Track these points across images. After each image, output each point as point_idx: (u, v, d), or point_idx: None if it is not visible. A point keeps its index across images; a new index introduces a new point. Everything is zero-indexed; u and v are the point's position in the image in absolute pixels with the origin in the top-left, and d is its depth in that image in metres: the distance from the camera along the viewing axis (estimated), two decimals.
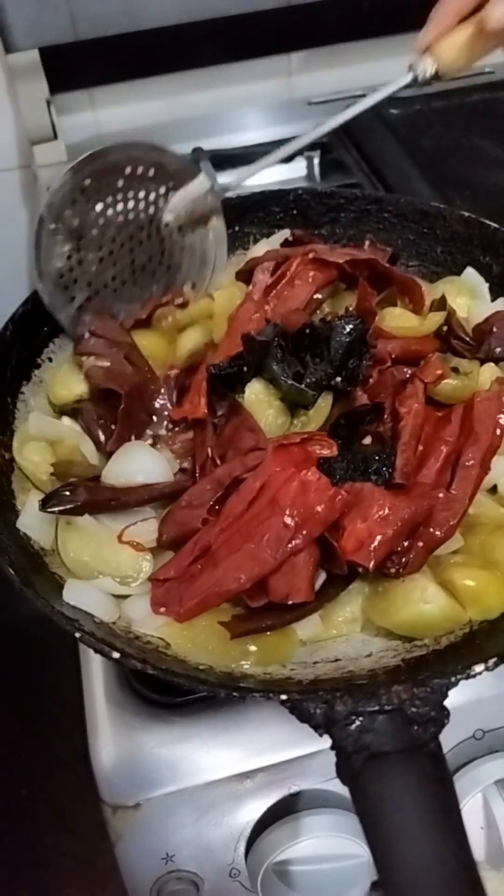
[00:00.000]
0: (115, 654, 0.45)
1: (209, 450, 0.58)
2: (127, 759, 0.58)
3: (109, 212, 0.70)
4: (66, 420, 0.65)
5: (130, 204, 0.71)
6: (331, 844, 0.58)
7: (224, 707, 0.60)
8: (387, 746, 0.39)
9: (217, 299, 0.73)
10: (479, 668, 0.44)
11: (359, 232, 0.79)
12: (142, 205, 0.72)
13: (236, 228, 0.80)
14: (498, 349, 0.65)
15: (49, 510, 0.53)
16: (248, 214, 0.80)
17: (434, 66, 0.68)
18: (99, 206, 0.69)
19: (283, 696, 0.43)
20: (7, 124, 1.15)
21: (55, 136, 1.14)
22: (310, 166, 1.17)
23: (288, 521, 0.49)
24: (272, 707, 0.59)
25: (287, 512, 0.49)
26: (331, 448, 0.55)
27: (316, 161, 1.17)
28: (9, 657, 1.46)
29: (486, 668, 0.44)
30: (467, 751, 0.64)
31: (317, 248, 0.70)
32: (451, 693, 0.59)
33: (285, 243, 0.76)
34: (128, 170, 0.70)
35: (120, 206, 0.70)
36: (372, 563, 0.49)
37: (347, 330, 0.58)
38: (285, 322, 0.61)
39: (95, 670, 0.62)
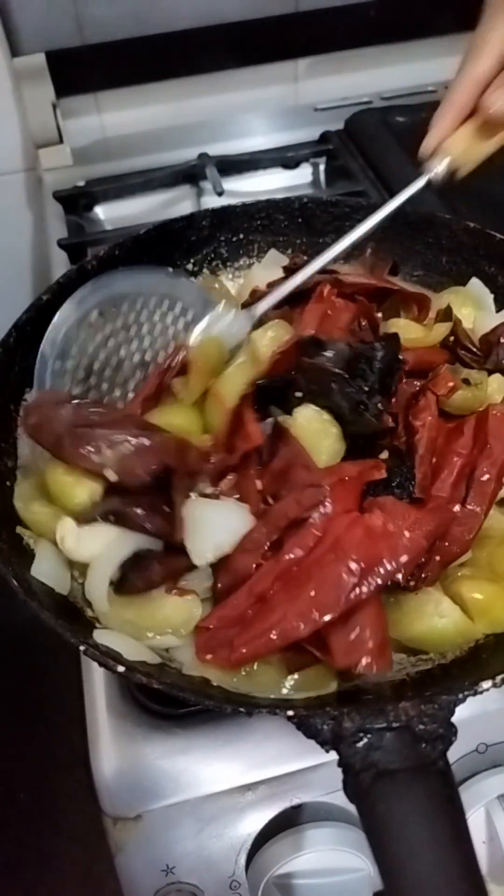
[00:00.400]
0: (120, 668, 0.45)
1: (258, 485, 0.54)
2: (128, 770, 0.57)
3: (121, 341, 0.66)
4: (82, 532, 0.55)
5: (144, 329, 0.66)
6: (332, 858, 0.58)
7: (226, 719, 0.59)
8: (395, 764, 0.39)
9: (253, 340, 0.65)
10: (486, 684, 0.43)
11: (363, 241, 0.79)
12: (157, 329, 0.67)
13: (241, 236, 0.80)
14: None
15: (124, 594, 0.51)
16: (253, 223, 0.79)
17: (446, 163, 0.68)
18: (110, 342, 0.65)
19: (290, 713, 0.43)
20: (13, 127, 1.14)
21: (61, 140, 1.14)
22: (315, 173, 1.18)
23: (353, 566, 0.47)
24: (274, 719, 0.59)
25: (352, 557, 0.47)
26: (381, 471, 0.53)
27: (322, 167, 1.17)
28: (10, 661, 1.46)
29: (494, 685, 0.43)
30: (470, 765, 0.63)
31: (323, 281, 0.68)
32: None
33: (287, 273, 0.73)
34: (138, 302, 0.66)
35: (133, 332, 0.66)
36: (401, 577, 0.48)
37: (383, 351, 0.57)
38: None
39: (98, 680, 0.61)
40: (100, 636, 0.49)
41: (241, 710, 0.43)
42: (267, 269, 0.77)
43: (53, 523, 0.54)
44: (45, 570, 0.53)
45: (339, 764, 0.40)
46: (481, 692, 0.43)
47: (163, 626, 0.51)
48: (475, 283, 0.74)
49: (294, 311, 0.68)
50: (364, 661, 0.46)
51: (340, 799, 0.60)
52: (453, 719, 0.42)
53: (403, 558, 0.47)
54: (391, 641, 0.51)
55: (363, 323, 0.65)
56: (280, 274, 0.74)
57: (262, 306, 0.67)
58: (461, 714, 0.60)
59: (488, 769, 0.63)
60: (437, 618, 0.50)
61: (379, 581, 0.47)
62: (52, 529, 0.54)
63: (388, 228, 0.78)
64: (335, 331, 0.63)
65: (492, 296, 0.73)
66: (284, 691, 0.48)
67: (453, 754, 0.62)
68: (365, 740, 0.40)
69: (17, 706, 1.42)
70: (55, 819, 1.28)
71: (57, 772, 1.29)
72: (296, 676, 0.49)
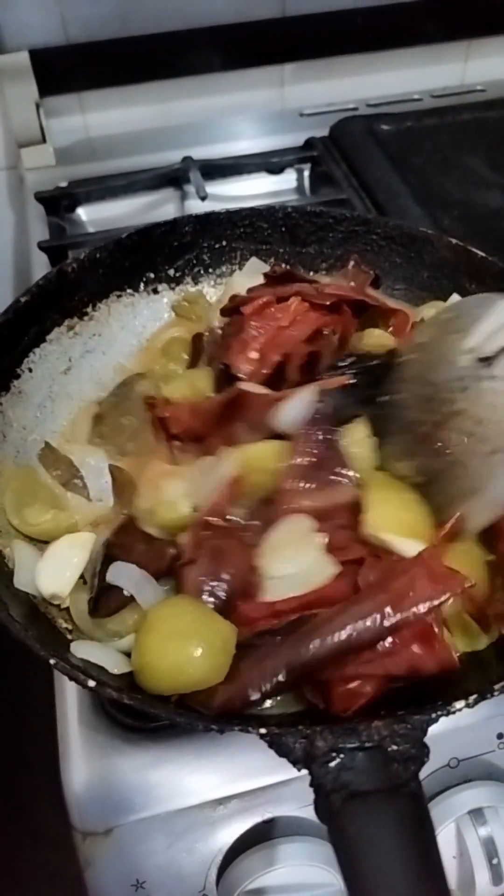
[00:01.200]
0: (91, 683, 0.44)
1: None
2: (99, 783, 0.57)
3: None
4: None
5: None
6: (304, 873, 0.57)
7: (198, 734, 0.59)
8: (366, 786, 0.38)
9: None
10: (459, 704, 0.43)
11: (346, 252, 0.79)
12: None
13: (224, 244, 0.79)
14: None
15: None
16: (236, 230, 0.79)
17: None
18: None
19: (263, 731, 0.42)
20: None
21: (44, 140, 1.12)
22: (300, 179, 1.18)
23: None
24: (246, 735, 0.59)
25: None
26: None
27: (306, 174, 1.17)
28: None
29: (467, 705, 0.43)
30: (442, 779, 0.63)
31: (303, 291, 0.68)
32: None
33: (268, 280, 0.73)
34: None
35: None
36: None
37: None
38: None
39: (70, 693, 0.61)
40: (77, 648, 0.48)
41: (213, 727, 0.42)
42: (248, 276, 0.77)
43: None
44: (26, 580, 0.53)
45: (311, 784, 0.40)
46: (454, 712, 0.43)
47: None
48: (455, 299, 0.74)
49: None
50: (356, 706, 0.46)
51: (312, 814, 0.59)
52: (428, 733, 0.42)
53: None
54: None
55: (326, 332, 0.66)
56: (260, 280, 0.74)
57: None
58: (433, 729, 0.60)
59: (459, 784, 0.63)
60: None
61: None
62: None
63: (371, 241, 0.79)
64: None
65: None
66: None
67: (425, 769, 0.62)
68: (337, 760, 0.39)
69: None
70: (27, 822, 1.27)
71: (30, 775, 1.28)
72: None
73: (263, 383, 0.64)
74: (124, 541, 0.54)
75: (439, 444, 0.51)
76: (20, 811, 1.30)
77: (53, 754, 0.59)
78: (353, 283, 0.74)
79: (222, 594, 0.50)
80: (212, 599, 0.49)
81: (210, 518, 0.55)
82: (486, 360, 0.49)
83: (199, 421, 0.62)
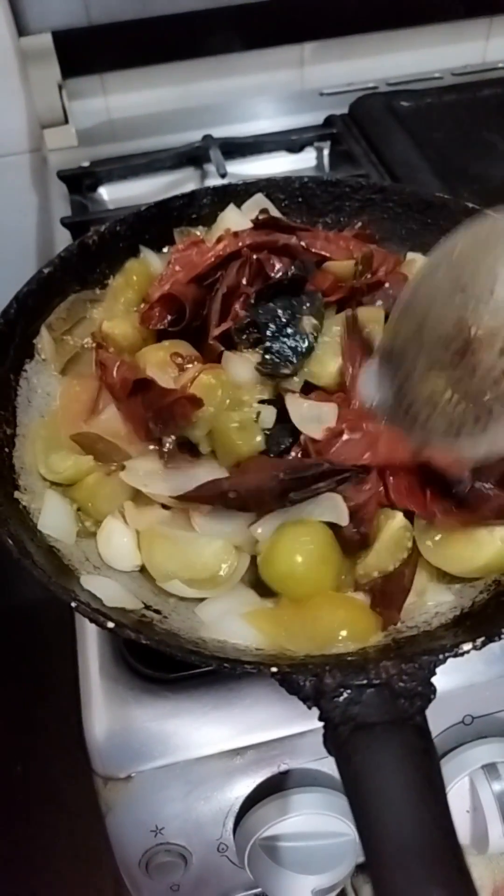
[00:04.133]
0: (110, 624, 0.46)
1: None
2: (119, 731, 0.59)
3: None
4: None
5: None
6: (318, 822, 0.59)
7: (216, 684, 0.60)
8: (373, 718, 0.40)
9: None
10: (466, 646, 0.44)
11: (362, 221, 0.80)
12: None
13: None
14: None
15: None
16: None
17: None
18: None
19: (274, 669, 0.44)
20: (18, 108, 1.15)
21: (66, 121, 1.14)
22: (319, 157, 1.18)
23: None
24: (264, 685, 0.61)
25: None
26: None
27: (326, 152, 1.18)
28: (11, 639, 1.48)
29: (475, 647, 0.44)
30: (456, 736, 0.64)
31: (290, 245, 0.68)
32: (442, 678, 0.60)
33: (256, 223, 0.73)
34: None
35: None
36: None
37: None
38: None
39: (90, 644, 0.63)
40: (86, 581, 0.50)
41: (226, 665, 0.44)
42: (244, 213, 0.77)
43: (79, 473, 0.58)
44: (52, 522, 0.56)
45: (320, 718, 0.41)
46: (462, 654, 0.44)
47: (199, 573, 0.53)
48: None
49: None
50: None
51: (327, 765, 0.61)
52: (440, 691, 0.43)
53: None
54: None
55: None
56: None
57: None
58: (448, 685, 0.62)
59: (473, 740, 0.64)
60: (500, 542, 0.53)
61: None
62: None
63: (386, 207, 0.79)
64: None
65: None
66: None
67: (439, 725, 0.64)
68: (345, 695, 0.41)
69: (18, 683, 1.44)
70: (52, 792, 1.30)
71: (55, 748, 1.31)
72: (344, 632, 0.50)
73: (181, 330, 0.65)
74: None
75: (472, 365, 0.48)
76: (46, 782, 1.32)
77: (75, 727, 0.61)
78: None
79: None
80: None
81: None
82: None
83: (118, 386, 0.62)
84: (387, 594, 0.52)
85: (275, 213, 0.77)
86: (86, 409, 0.64)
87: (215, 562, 0.54)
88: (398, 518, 0.54)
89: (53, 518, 0.56)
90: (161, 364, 0.62)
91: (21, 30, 1.08)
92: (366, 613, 0.52)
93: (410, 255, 0.76)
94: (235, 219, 0.75)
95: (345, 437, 0.54)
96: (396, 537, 0.54)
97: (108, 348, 0.67)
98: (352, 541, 0.53)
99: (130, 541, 0.56)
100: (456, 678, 0.62)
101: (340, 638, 0.49)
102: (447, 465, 0.52)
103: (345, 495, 0.53)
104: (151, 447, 0.58)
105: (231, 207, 0.78)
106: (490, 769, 0.62)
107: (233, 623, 0.50)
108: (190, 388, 0.57)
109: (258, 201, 0.79)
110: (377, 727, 0.39)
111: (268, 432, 0.57)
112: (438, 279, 0.52)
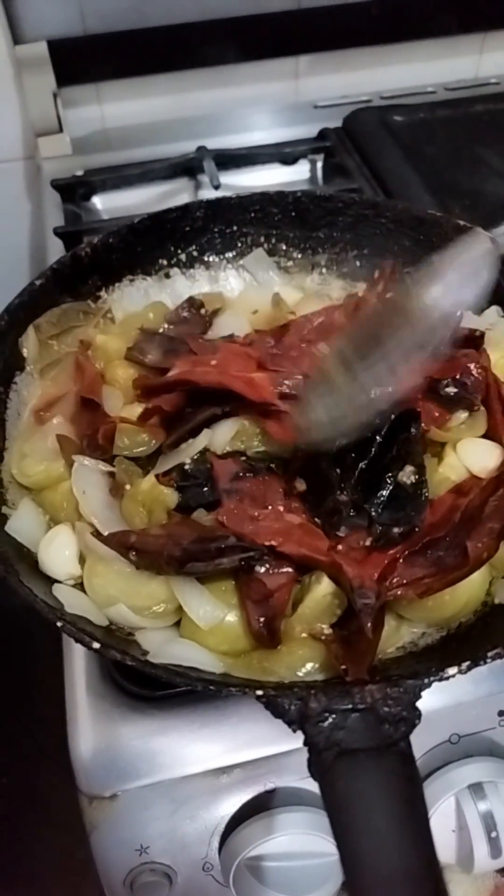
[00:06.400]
0: (95, 644, 0.45)
1: None
2: (105, 749, 0.58)
3: None
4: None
5: None
6: (304, 842, 0.59)
7: (203, 703, 0.60)
8: (357, 744, 0.40)
9: None
10: (452, 670, 0.44)
11: (356, 236, 0.80)
12: None
13: (234, 228, 0.80)
14: None
15: None
16: (247, 215, 0.80)
17: None
18: None
19: (259, 692, 0.43)
20: (13, 115, 1.15)
21: (60, 129, 1.14)
22: (313, 170, 1.18)
23: None
24: (250, 704, 0.60)
25: None
26: None
27: (319, 164, 1.18)
28: (1, 646, 1.47)
29: (460, 671, 0.44)
30: (442, 755, 0.64)
31: None
32: (429, 697, 0.60)
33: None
34: None
35: None
36: None
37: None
38: None
39: (77, 661, 0.62)
40: (57, 590, 0.51)
41: (211, 688, 0.43)
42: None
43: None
44: (19, 526, 0.55)
45: (305, 743, 0.41)
46: (447, 678, 0.44)
47: (143, 602, 0.52)
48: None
49: None
50: None
51: (314, 785, 0.60)
52: (427, 710, 0.43)
53: None
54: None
55: None
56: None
57: None
58: (435, 705, 0.62)
59: (460, 759, 0.64)
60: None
61: None
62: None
63: (380, 224, 0.80)
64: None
65: None
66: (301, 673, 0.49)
67: (426, 744, 0.64)
68: (330, 720, 0.40)
69: (3, 693, 1.43)
70: (38, 804, 1.29)
71: (41, 759, 1.30)
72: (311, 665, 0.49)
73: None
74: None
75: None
76: (32, 793, 1.32)
77: (64, 739, 0.61)
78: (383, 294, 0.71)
79: None
80: None
81: None
82: None
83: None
84: (350, 650, 0.48)
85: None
86: (43, 404, 0.65)
87: (154, 598, 0.52)
88: (324, 584, 0.51)
89: (21, 522, 0.56)
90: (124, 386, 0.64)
91: (16, 38, 1.08)
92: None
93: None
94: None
95: (266, 512, 0.53)
96: (322, 604, 0.51)
97: (90, 356, 0.67)
98: (258, 635, 0.50)
99: (72, 552, 0.55)
100: (443, 697, 0.62)
101: (308, 671, 0.48)
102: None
103: (257, 577, 0.51)
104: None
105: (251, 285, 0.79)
106: (476, 788, 0.62)
107: (181, 647, 0.50)
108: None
109: (258, 257, 0.80)
110: (361, 753, 0.39)
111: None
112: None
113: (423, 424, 0.56)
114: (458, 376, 0.61)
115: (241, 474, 0.54)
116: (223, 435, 0.57)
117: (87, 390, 0.61)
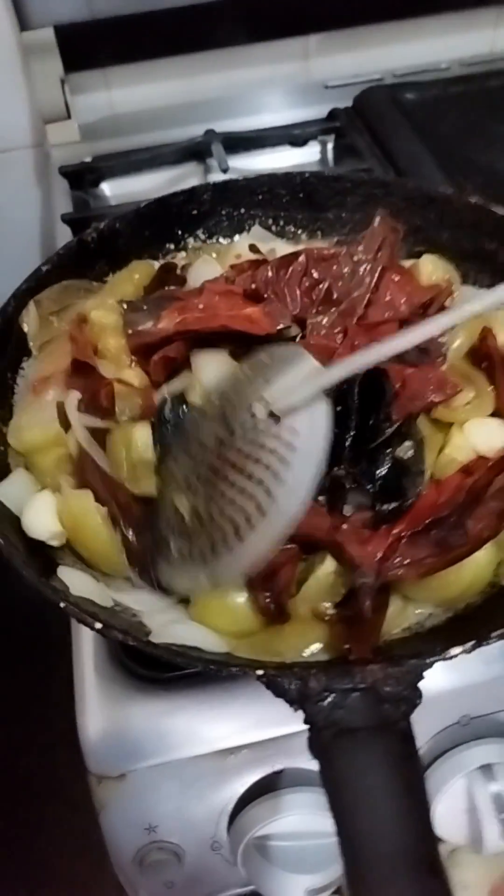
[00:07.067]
0: (98, 625, 0.46)
1: None
2: (113, 730, 0.59)
3: None
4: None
5: None
6: (310, 822, 0.59)
7: (210, 684, 0.60)
8: (357, 723, 0.39)
9: None
10: (456, 650, 0.44)
11: (365, 217, 0.79)
12: None
13: (242, 211, 0.80)
14: None
15: None
16: (254, 197, 0.79)
17: None
18: None
19: (259, 672, 0.43)
20: (20, 103, 1.15)
21: (69, 116, 1.14)
22: (323, 151, 1.17)
23: None
24: (258, 685, 0.60)
25: None
26: None
27: (330, 146, 1.17)
28: (13, 634, 1.49)
29: (464, 651, 0.44)
30: (452, 736, 0.64)
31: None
32: (439, 678, 0.60)
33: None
34: None
35: None
36: None
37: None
38: None
39: (85, 643, 0.63)
40: (62, 572, 0.51)
41: (212, 667, 0.44)
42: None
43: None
44: (8, 491, 0.55)
45: (305, 721, 0.41)
46: (450, 658, 0.44)
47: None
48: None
49: None
50: None
51: None
52: (437, 691, 0.43)
53: None
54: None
55: None
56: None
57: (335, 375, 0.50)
58: (445, 686, 0.61)
59: (470, 741, 0.64)
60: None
61: None
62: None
63: (391, 204, 0.78)
64: None
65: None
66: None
67: (436, 726, 0.64)
68: (329, 699, 0.40)
69: (20, 678, 1.45)
70: (53, 787, 1.30)
71: (56, 743, 1.31)
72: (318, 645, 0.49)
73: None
74: None
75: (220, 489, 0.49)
76: (48, 776, 1.33)
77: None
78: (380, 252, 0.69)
79: None
80: None
81: None
82: (276, 417, 0.47)
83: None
84: (354, 630, 0.48)
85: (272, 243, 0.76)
86: (40, 377, 0.65)
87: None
88: (327, 563, 0.51)
89: (11, 488, 0.56)
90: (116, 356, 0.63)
91: (23, 24, 1.07)
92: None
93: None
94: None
95: None
96: (326, 584, 0.51)
97: (84, 330, 0.67)
98: (266, 611, 0.50)
99: (52, 510, 0.55)
100: (453, 678, 0.62)
101: (312, 651, 0.48)
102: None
103: None
104: None
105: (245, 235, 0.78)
106: (486, 770, 0.62)
107: (184, 628, 0.50)
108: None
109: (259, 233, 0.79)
110: (360, 732, 0.39)
111: None
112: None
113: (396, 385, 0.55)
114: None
115: None
116: (211, 370, 0.57)
117: (80, 353, 0.61)
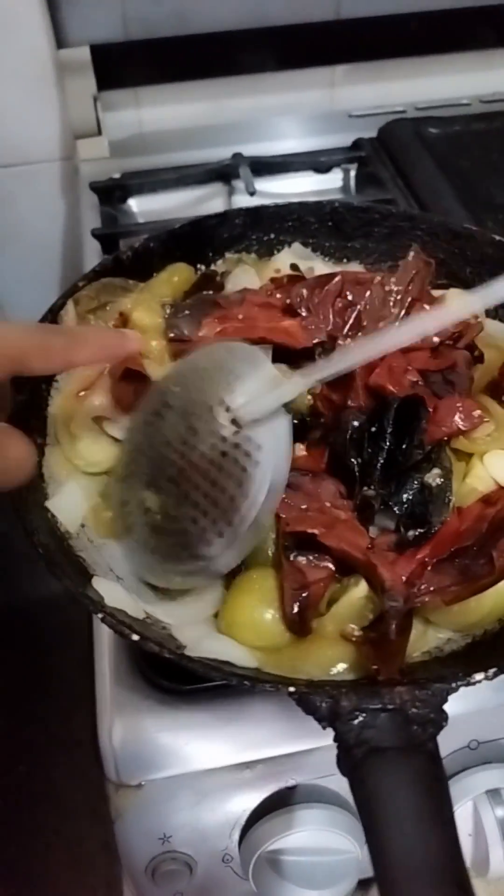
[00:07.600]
0: (135, 636, 0.47)
1: None
2: (133, 740, 0.60)
3: None
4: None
5: None
6: (322, 838, 0.60)
7: (229, 698, 0.62)
8: (387, 743, 0.41)
9: None
10: (479, 676, 0.45)
11: (391, 247, 0.81)
12: None
13: (272, 236, 0.82)
14: None
15: None
16: (284, 223, 0.81)
17: None
18: None
19: (292, 689, 0.45)
20: (54, 117, 1.17)
21: (99, 132, 1.16)
22: (346, 178, 1.20)
23: None
24: (275, 702, 0.62)
25: None
26: None
27: (352, 174, 1.19)
28: (16, 639, 1.49)
29: (486, 678, 0.45)
30: (461, 760, 0.65)
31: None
32: (450, 703, 0.61)
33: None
34: None
35: None
36: None
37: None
38: None
39: (106, 653, 0.64)
40: (97, 582, 0.52)
41: (246, 683, 0.45)
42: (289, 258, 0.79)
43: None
44: (61, 505, 0.57)
45: (335, 740, 0.42)
46: (474, 683, 0.45)
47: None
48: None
49: None
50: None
51: (334, 783, 0.63)
52: (448, 713, 0.44)
53: None
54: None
55: None
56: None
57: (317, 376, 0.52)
58: (456, 710, 0.62)
59: (478, 765, 0.65)
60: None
61: None
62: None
63: (416, 237, 0.81)
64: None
65: None
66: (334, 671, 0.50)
67: (445, 749, 0.64)
68: (360, 719, 0.42)
69: (22, 684, 1.45)
70: (51, 794, 1.30)
71: (57, 750, 1.32)
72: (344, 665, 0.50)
73: None
74: None
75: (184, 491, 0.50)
76: (46, 783, 1.33)
77: (79, 730, 0.62)
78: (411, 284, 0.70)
79: None
80: None
81: None
82: (238, 426, 0.48)
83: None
84: (380, 651, 0.49)
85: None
86: (83, 386, 0.65)
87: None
88: (361, 587, 0.52)
89: (64, 501, 0.57)
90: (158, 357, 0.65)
91: (60, 42, 1.10)
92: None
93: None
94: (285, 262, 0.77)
95: (315, 505, 0.54)
96: (357, 607, 0.52)
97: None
98: (292, 622, 0.51)
99: (80, 498, 0.58)
100: (463, 703, 0.63)
101: (338, 671, 0.50)
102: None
103: (299, 567, 0.52)
104: None
105: (286, 250, 0.81)
106: (494, 794, 0.63)
107: (216, 642, 0.51)
108: None
109: (298, 250, 0.81)
110: (390, 752, 0.40)
111: None
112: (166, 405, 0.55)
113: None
114: (446, 369, 0.62)
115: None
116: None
117: (131, 361, 0.61)
